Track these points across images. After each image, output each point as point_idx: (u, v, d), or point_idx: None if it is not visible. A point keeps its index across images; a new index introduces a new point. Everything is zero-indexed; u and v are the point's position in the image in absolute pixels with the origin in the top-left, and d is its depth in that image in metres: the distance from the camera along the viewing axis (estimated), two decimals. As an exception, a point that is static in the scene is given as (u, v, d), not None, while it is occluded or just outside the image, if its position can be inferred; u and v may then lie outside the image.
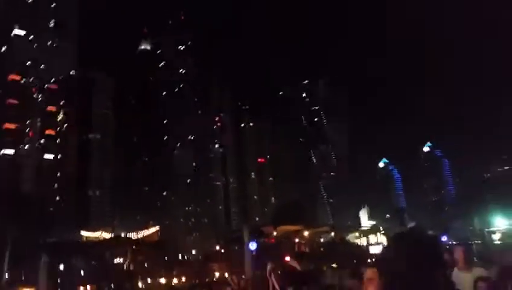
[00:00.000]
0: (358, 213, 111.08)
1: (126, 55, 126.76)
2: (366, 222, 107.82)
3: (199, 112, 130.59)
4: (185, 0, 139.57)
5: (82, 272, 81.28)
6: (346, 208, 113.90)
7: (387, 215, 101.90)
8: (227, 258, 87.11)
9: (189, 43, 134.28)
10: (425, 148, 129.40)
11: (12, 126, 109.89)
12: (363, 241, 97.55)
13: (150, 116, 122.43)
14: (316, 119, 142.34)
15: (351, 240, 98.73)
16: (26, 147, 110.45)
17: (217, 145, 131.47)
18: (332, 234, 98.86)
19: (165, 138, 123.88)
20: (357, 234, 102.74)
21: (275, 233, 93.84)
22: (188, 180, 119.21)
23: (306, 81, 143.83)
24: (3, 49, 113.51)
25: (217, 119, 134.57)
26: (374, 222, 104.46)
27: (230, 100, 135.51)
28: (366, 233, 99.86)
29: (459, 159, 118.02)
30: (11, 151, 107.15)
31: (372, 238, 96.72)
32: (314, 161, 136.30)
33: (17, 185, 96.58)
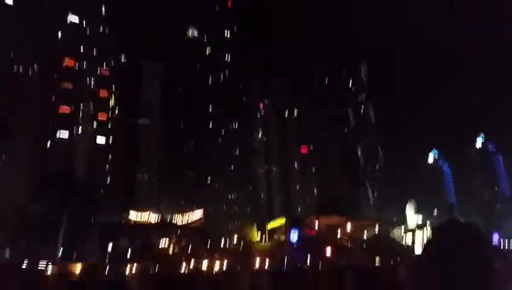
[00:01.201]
0: (404, 208, 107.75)
1: (174, 42, 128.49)
2: (412, 217, 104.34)
3: (244, 99, 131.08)
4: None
5: (129, 252, 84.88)
6: (391, 202, 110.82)
7: (435, 212, 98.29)
8: (268, 248, 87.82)
9: (236, 30, 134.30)
10: (478, 143, 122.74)
11: (67, 110, 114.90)
12: (408, 237, 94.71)
13: (196, 103, 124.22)
14: (362, 110, 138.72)
15: (396, 236, 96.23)
16: (79, 130, 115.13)
17: (260, 134, 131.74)
18: (377, 228, 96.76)
19: (210, 125, 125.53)
20: (402, 229, 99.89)
21: (316, 224, 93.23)
22: (232, 168, 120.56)
23: (354, 69, 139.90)
24: (59, 36, 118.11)
25: (261, 107, 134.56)
26: (420, 217, 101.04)
27: (274, 88, 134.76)
28: (412, 229, 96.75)
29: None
30: (65, 135, 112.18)
31: (419, 234, 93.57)
32: (359, 152, 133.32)
33: (71, 167, 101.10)
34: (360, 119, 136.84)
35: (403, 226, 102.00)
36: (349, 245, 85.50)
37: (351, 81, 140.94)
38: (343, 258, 72.19)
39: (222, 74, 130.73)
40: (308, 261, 74.28)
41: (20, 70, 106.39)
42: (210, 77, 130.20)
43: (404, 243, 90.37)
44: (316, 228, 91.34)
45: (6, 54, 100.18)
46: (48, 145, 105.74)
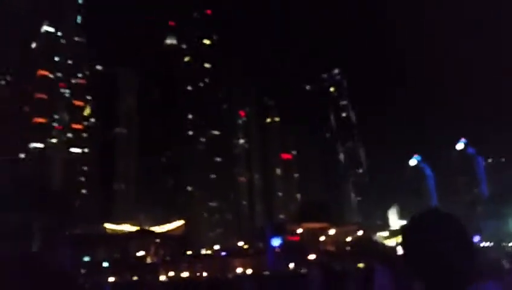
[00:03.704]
0: (387, 212, 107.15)
1: (152, 49, 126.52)
2: (395, 221, 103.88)
3: (224, 106, 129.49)
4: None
5: (106, 264, 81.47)
6: (374, 206, 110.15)
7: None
8: (250, 254, 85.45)
9: (215, 37, 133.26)
10: (459, 146, 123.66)
11: (41, 120, 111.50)
12: (392, 241, 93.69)
13: (175, 110, 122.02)
14: (344, 115, 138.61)
15: (380, 240, 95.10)
16: (54, 140, 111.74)
17: (241, 141, 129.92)
18: (360, 233, 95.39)
19: (189, 133, 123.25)
20: (386, 233, 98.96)
21: (299, 230, 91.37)
22: (213, 176, 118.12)
23: (334, 73, 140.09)
24: (33, 45, 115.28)
25: (241, 114, 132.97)
26: (403, 222, 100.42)
27: (255, 95, 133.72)
28: (395, 233, 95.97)
29: (494, 158, 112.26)
30: (40, 145, 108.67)
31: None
32: (342, 158, 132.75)
33: (45, 177, 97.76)
34: (342, 125, 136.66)
35: (387, 231, 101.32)
36: (333, 249, 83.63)
37: (333, 88, 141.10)
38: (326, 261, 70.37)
39: (202, 81, 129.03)
40: (293, 266, 72.41)
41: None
42: (189, 85, 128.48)
43: (387, 245, 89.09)
44: (299, 233, 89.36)
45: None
46: (23, 155, 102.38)
